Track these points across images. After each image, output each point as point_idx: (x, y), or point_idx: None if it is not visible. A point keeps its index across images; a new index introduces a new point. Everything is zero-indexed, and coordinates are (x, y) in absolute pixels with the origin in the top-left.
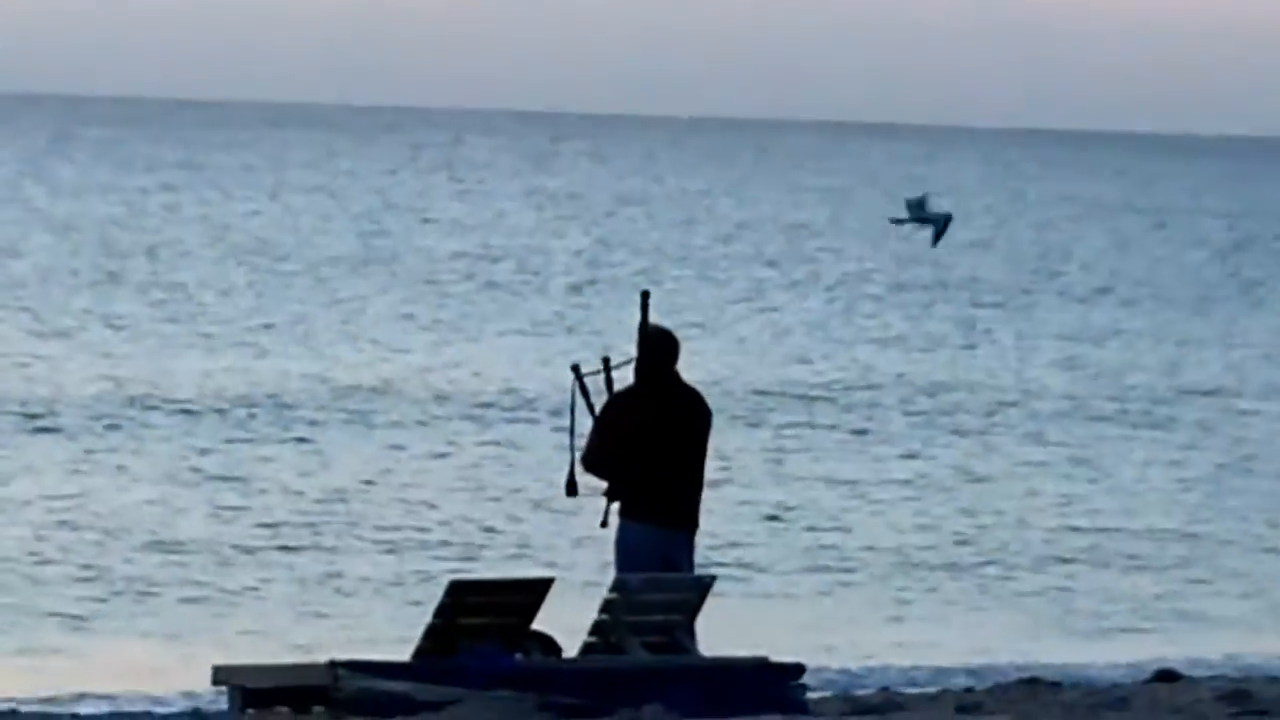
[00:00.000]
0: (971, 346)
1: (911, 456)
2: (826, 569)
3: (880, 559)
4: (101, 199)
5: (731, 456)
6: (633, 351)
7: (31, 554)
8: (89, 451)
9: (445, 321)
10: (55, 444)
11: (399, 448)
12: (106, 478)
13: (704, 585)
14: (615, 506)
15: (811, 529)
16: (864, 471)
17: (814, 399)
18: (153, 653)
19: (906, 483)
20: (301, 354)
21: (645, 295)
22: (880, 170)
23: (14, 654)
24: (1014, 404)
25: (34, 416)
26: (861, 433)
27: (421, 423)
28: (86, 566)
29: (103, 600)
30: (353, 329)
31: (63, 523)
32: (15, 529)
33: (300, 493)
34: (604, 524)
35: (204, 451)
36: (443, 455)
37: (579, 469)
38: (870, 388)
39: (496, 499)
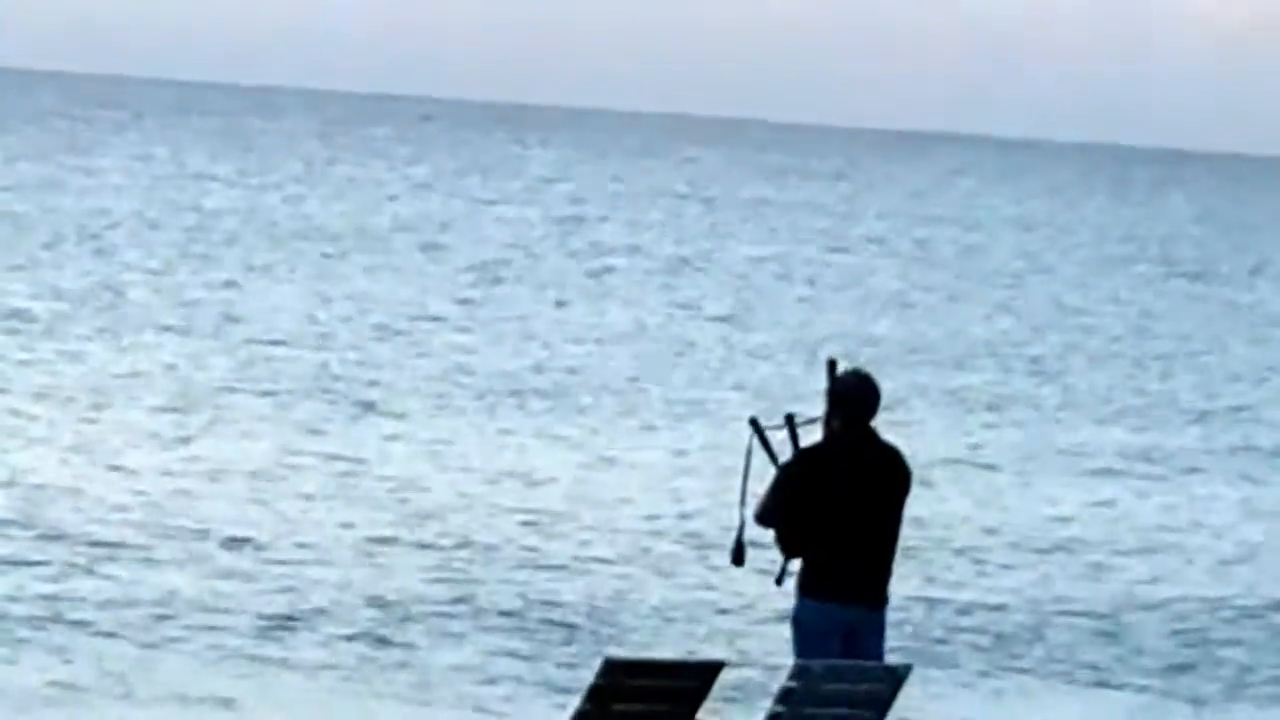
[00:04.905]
0: None
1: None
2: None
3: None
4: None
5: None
6: (819, 413)
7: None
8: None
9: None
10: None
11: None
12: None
13: (897, 675)
14: (793, 565)
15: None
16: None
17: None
18: None
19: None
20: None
21: (832, 364)
22: None
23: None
24: None
25: None
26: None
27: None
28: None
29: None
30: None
31: None
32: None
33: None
34: (779, 581)
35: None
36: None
37: (748, 530)
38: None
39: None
